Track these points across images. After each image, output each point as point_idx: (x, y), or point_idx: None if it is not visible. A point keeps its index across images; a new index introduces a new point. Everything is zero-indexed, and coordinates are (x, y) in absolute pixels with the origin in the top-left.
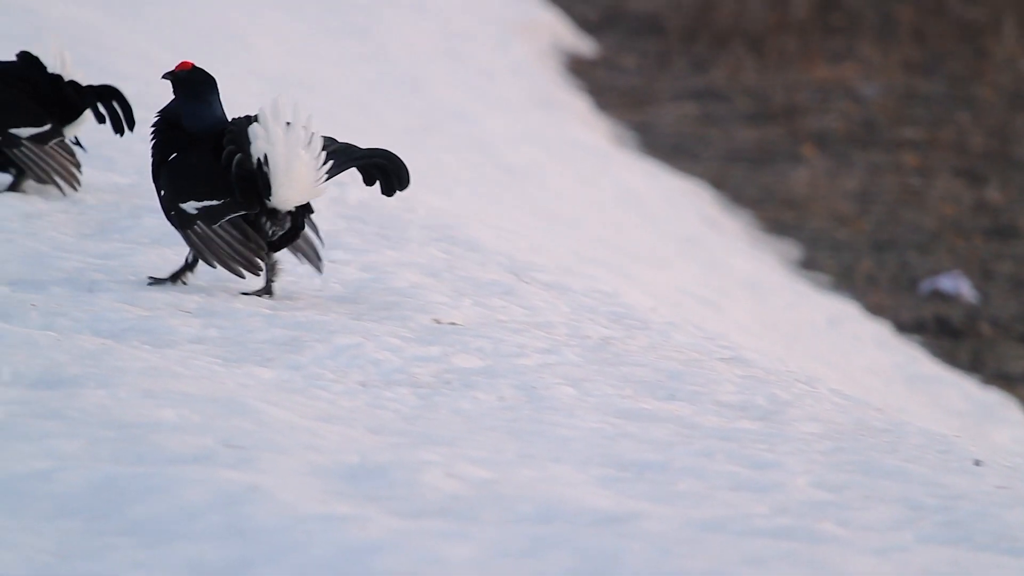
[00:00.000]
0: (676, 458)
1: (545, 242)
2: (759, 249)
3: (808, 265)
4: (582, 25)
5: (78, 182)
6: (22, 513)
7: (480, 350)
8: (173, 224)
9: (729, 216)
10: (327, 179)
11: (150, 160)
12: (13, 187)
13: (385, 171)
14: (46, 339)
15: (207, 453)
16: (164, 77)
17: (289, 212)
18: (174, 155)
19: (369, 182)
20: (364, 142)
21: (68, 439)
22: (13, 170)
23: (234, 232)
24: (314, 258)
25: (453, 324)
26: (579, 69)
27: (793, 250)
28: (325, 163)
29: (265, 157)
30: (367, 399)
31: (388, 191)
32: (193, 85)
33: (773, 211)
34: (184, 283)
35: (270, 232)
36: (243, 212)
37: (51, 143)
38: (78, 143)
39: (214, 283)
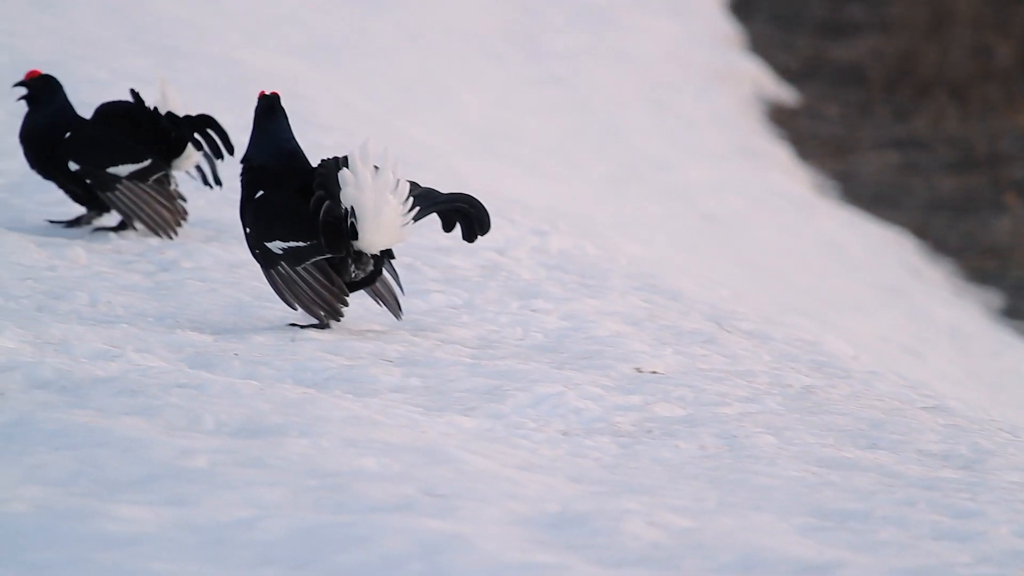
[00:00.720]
0: (878, 507)
1: (746, 290)
2: (962, 298)
3: (1012, 314)
4: (783, 74)
5: (174, 228)
6: (225, 561)
7: (681, 399)
8: (258, 262)
9: (931, 265)
10: (412, 224)
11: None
12: (119, 227)
13: (467, 216)
14: (248, 388)
15: (408, 502)
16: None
17: (373, 256)
18: (260, 193)
19: (448, 228)
20: (566, 191)
21: (270, 488)
22: (100, 209)
23: (318, 275)
24: (393, 303)
25: (654, 373)
26: (780, 118)
27: (996, 299)
28: (411, 208)
29: (354, 203)
30: (568, 448)
31: (469, 237)
32: (259, 115)
33: (976, 260)
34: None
35: (353, 275)
36: (329, 256)
37: (151, 179)
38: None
39: (416, 332)
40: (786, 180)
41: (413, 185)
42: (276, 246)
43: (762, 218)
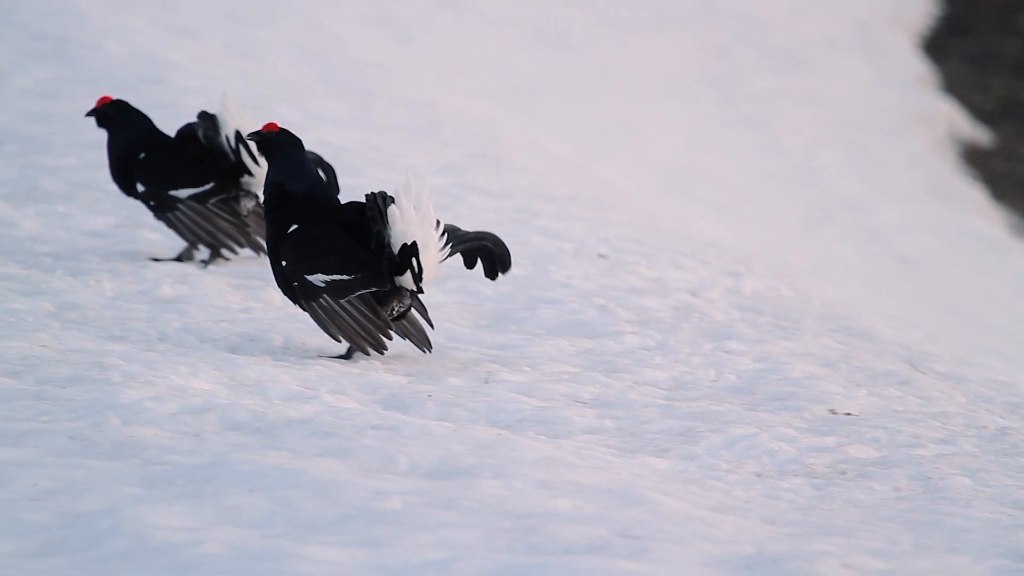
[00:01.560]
0: None
1: (940, 332)
2: None
3: None
4: (978, 114)
5: (234, 246)
6: None
7: (876, 440)
8: (295, 295)
9: None
10: (447, 257)
11: (269, 231)
12: (181, 257)
13: (489, 254)
14: (442, 430)
15: (602, 543)
16: (249, 137)
17: (411, 291)
18: (295, 227)
19: (470, 265)
20: (758, 232)
21: (464, 529)
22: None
23: (363, 309)
24: (422, 338)
25: (848, 414)
26: (975, 158)
27: None
28: (445, 246)
29: (407, 240)
30: (762, 489)
31: (491, 274)
32: (285, 146)
33: None
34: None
35: (394, 310)
36: (375, 288)
37: (212, 200)
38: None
39: (609, 373)
40: (980, 221)
41: (446, 228)
42: (319, 279)
43: (956, 259)
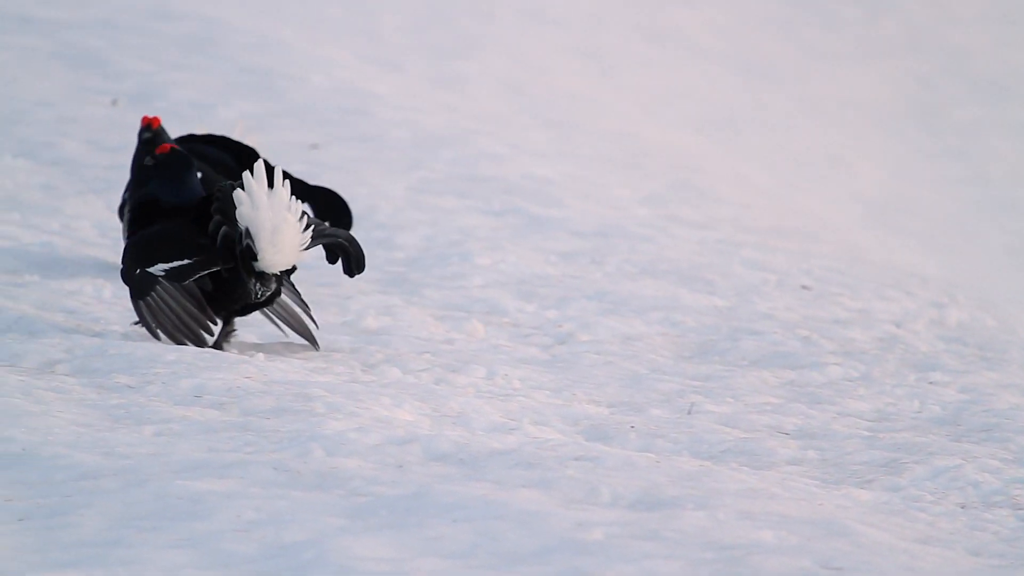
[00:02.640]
0: None
1: None
2: None
3: None
4: None
5: None
6: None
7: None
8: (132, 293)
9: None
10: (309, 246)
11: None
12: None
13: (345, 252)
14: (645, 461)
15: (806, 574)
16: (145, 164)
17: (275, 275)
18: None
19: (332, 260)
20: (963, 263)
21: (667, 560)
22: None
23: (188, 304)
24: (305, 333)
25: None
26: None
27: None
28: (306, 229)
29: (250, 222)
30: (966, 521)
31: (348, 271)
32: (171, 166)
33: None
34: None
35: (258, 294)
36: (216, 268)
37: None
38: None
39: (812, 404)
40: None
41: (305, 212)
42: (159, 268)
43: None
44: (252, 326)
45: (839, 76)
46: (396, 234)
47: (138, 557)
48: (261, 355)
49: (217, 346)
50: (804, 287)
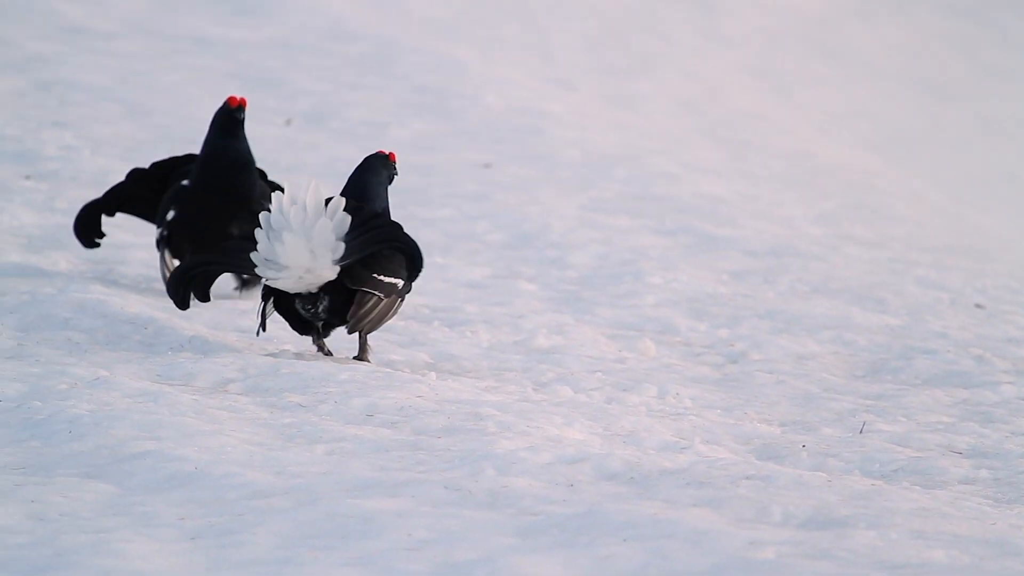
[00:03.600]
0: None
1: None
2: None
3: None
4: None
5: None
6: None
7: None
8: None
9: None
10: (344, 259)
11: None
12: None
13: (405, 255)
14: (816, 480)
15: None
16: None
17: (320, 293)
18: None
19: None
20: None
21: None
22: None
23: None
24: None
25: None
26: None
27: None
28: (343, 246)
29: (264, 245)
30: None
31: (409, 276)
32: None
33: None
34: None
35: (307, 311)
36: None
37: None
38: None
39: (985, 423)
40: None
41: (355, 216)
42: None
43: None
44: (425, 344)
45: (1016, 94)
46: (568, 253)
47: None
48: (433, 374)
49: (359, 358)
50: (978, 306)
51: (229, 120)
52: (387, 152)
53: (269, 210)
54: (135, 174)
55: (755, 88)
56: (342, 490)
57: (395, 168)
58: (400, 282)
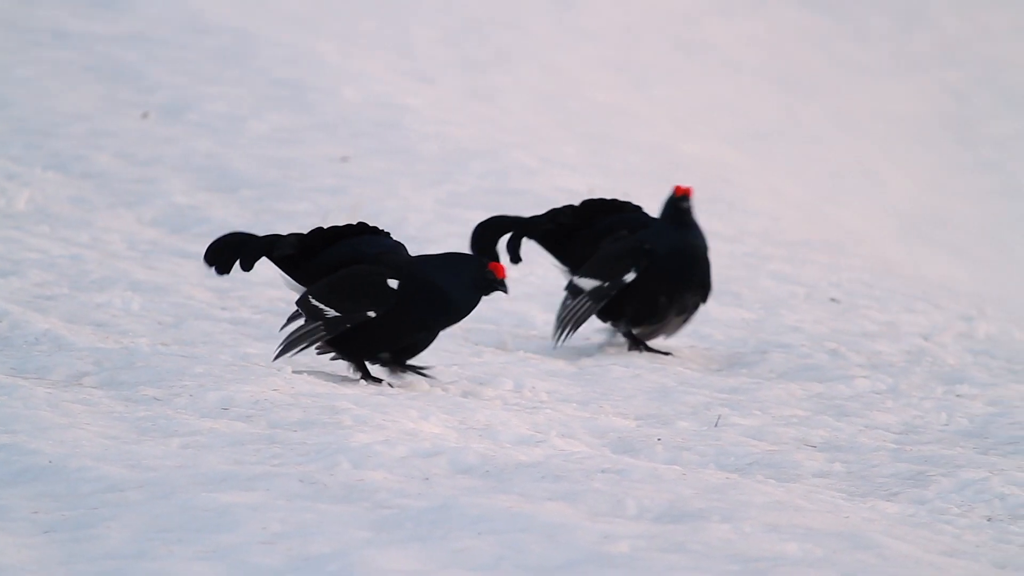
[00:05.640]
0: None
1: None
2: None
3: None
4: None
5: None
6: None
7: None
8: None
9: None
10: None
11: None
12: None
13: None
14: (671, 473)
15: None
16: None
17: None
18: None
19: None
20: (994, 276)
21: (693, 573)
22: None
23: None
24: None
25: None
26: None
27: None
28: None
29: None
30: (993, 534)
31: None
32: None
33: None
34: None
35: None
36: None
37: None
38: None
39: (840, 417)
40: None
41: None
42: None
43: None
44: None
45: (873, 89)
46: (425, 246)
47: (163, 569)
48: (289, 368)
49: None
50: (833, 300)
51: (676, 210)
52: (493, 262)
53: None
54: (566, 209)
55: (614, 82)
56: (197, 483)
57: (494, 281)
58: (331, 311)
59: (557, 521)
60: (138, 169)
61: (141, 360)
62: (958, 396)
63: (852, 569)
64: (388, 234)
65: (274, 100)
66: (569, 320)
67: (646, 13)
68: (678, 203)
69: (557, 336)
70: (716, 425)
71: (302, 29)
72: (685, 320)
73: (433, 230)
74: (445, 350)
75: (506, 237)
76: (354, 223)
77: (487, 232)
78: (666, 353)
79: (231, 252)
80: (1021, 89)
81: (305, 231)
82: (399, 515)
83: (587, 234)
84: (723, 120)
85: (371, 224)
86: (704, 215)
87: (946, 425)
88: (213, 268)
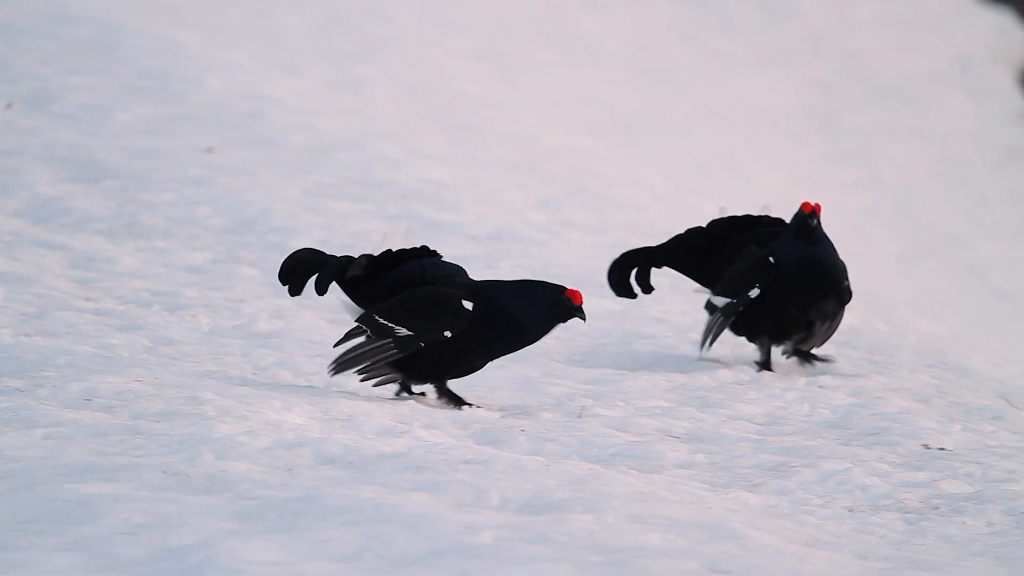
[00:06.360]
0: None
1: None
2: None
3: None
4: None
5: None
6: None
7: (969, 475)
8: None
9: None
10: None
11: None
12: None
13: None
14: (534, 464)
15: None
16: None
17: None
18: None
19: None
20: (857, 268)
21: (555, 563)
22: None
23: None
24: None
25: (942, 449)
26: None
27: None
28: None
29: None
30: (854, 524)
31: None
32: None
33: None
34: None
35: None
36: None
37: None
38: None
39: (703, 408)
40: None
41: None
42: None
43: None
44: (144, 328)
45: (738, 81)
46: (290, 237)
47: (25, 560)
48: (152, 358)
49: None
50: (697, 291)
51: (804, 227)
52: (571, 289)
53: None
54: (695, 232)
55: (481, 73)
56: (59, 474)
57: (572, 308)
58: (403, 330)
59: (420, 512)
60: (1, 160)
61: (3, 351)
62: (820, 387)
63: (714, 560)
64: (441, 256)
65: (139, 90)
66: (706, 335)
67: (514, 4)
68: (806, 220)
69: (700, 348)
70: (580, 416)
71: (168, 20)
72: (829, 328)
73: (299, 221)
74: (309, 341)
75: (635, 269)
76: (418, 246)
77: (622, 269)
78: (825, 360)
79: (306, 272)
80: (884, 81)
81: (375, 252)
82: (262, 506)
83: (721, 253)
84: (589, 111)
85: (430, 248)
86: (570, 206)
87: (808, 416)
88: (287, 288)
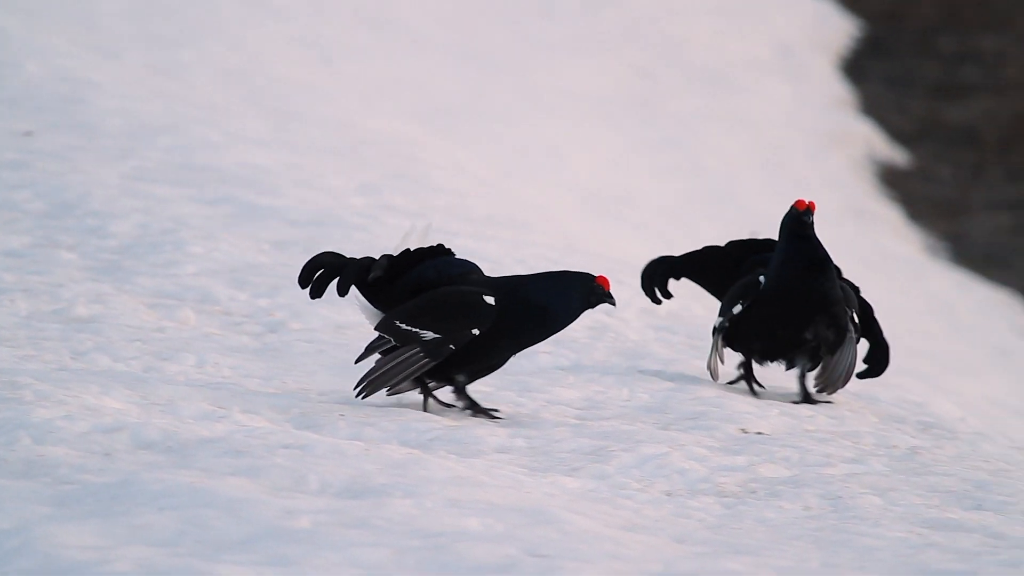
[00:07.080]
0: (982, 568)
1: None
2: None
3: None
4: (896, 136)
5: None
6: None
7: (786, 459)
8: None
9: None
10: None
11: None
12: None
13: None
14: (354, 449)
15: (511, 562)
16: None
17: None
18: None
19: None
20: (671, 252)
21: (374, 548)
22: None
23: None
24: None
25: (760, 433)
26: (892, 180)
27: None
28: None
29: None
30: (672, 508)
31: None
32: None
33: None
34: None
35: None
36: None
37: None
38: None
39: (522, 393)
40: (897, 242)
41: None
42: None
43: (872, 279)
44: None
45: (558, 67)
46: (109, 222)
47: None
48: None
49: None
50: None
51: (798, 224)
52: (600, 276)
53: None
54: (709, 251)
55: (301, 58)
56: None
57: (603, 294)
58: (428, 334)
59: (239, 496)
60: None
61: None
62: (640, 372)
63: (533, 544)
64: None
65: None
66: (709, 359)
67: None
68: (801, 218)
69: (710, 375)
70: (399, 402)
71: None
72: (840, 362)
73: (118, 205)
74: (128, 325)
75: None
76: (434, 245)
77: (658, 271)
78: (827, 401)
79: (327, 275)
80: (704, 67)
81: (395, 252)
82: (80, 491)
83: (735, 272)
84: (409, 96)
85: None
86: (389, 191)
87: (628, 401)
88: (308, 291)
